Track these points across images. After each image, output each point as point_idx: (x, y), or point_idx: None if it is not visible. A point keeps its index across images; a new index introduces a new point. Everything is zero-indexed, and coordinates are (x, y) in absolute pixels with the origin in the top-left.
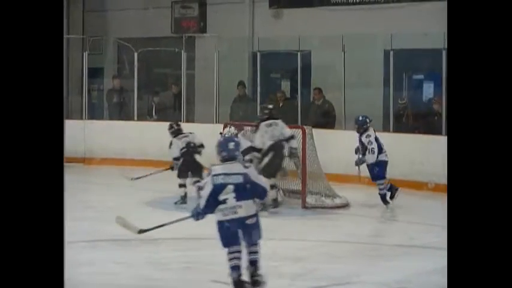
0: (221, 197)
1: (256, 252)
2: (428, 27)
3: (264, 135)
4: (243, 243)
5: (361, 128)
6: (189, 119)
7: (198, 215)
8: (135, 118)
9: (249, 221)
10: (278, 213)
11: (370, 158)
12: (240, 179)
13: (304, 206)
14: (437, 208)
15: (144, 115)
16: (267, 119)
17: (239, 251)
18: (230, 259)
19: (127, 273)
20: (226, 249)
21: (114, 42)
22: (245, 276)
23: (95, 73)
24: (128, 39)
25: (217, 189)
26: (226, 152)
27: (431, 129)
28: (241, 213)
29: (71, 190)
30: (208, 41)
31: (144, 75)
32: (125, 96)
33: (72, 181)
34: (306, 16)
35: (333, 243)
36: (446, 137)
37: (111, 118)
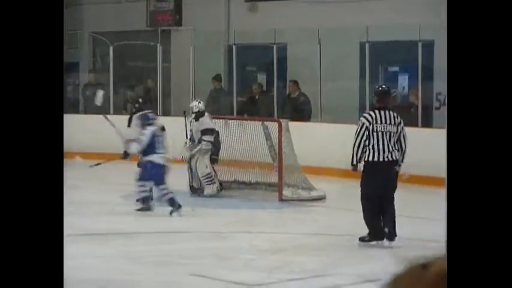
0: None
1: None
2: (404, 19)
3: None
4: None
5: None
6: (165, 113)
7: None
8: (111, 112)
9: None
10: (255, 206)
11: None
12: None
13: (281, 199)
14: (412, 200)
15: (120, 109)
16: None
17: None
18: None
19: (103, 267)
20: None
21: (90, 36)
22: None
23: (71, 67)
24: (103, 33)
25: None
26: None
27: (407, 120)
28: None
29: None
30: (183, 35)
31: (119, 69)
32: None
33: None
34: (281, 9)
35: (310, 236)
36: (422, 129)
37: (86, 112)
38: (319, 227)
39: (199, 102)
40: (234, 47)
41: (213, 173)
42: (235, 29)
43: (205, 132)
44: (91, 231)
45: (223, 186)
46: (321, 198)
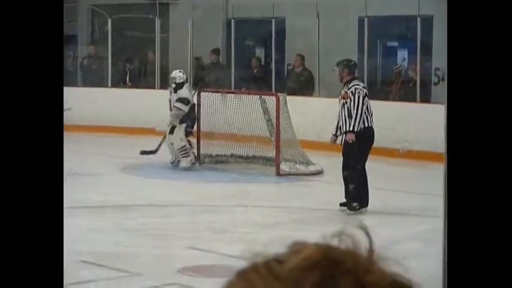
0: None
1: None
2: None
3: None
4: None
5: None
6: (163, 86)
7: None
8: (109, 85)
9: None
10: (252, 180)
11: None
12: None
13: (278, 173)
14: (410, 175)
15: (118, 82)
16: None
17: None
18: None
19: (101, 240)
20: None
21: (88, 9)
22: None
23: (69, 40)
24: (102, 6)
25: None
26: None
27: (406, 96)
28: None
29: None
30: (182, 8)
31: (118, 42)
32: (97, 62)
33: None
34: None
35: (307, 210)
36: (420, 104)
37: (85, 85)
38: (316, 202)
39: (182, 72)
40: (232, 21)
41: (188, 146)
42: (233, 3)
43: (178, 100)
44: (88, 204)
45: (201, 160)
46: (319, 173)
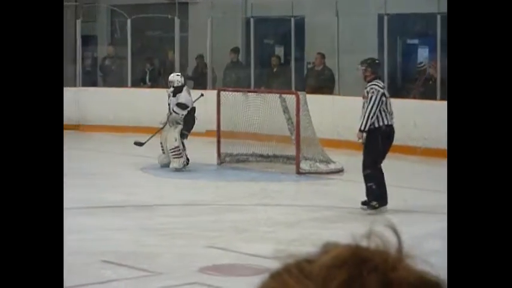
0: None
1: None
2: None
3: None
4: None
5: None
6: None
7: None
8: (129, 85)
9: None
10: (273, 179)
11: None
12: None
13: (298, 172)
14: (430, 172)
15: (138, 82)
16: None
17: None
18: None
19: (122, 239)
20: None
21: (107, 9)
22: None
23: (88, 41)
24: (121, 6)
25: None
26: None
27: (426, 93)
28: None
29: (65, 157)
30: (201, 7)
31: (137, 42)
32: (117, 62)
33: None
34: None
35: (327, 208)
36: (440, 102)
37: (105, 85)
38: (337, 200)
39: (180, 76)
40: (251, 20)
41: (181, 147)
42: (252, 2)
43: (178, 105)
44: (110, 204)
45: (222, 159)
46: (339, 171)
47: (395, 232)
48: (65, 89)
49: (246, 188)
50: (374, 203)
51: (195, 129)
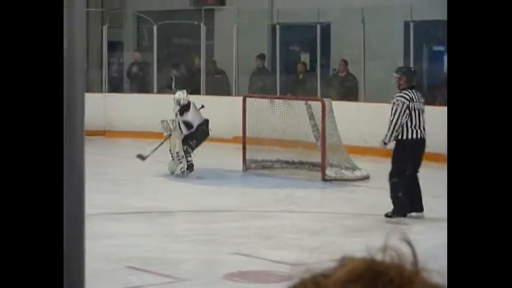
0: None
1: None
2: None
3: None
4: None
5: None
6: (208, 92)
7: None
8: (155, 91)
9: None
10: (299, 185)
11: None
12: None
13: (324, 179)
14: None
15: (164, 88)
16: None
17: None
18: None
19: (146, 245)
20: None
21: (133, 16)
22: None
23: (115, 47)
24: (147, 12)
25: None
26: None
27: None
28: None
29: (91, 163)
30: (227, 14)
31: (163, 48)
32: (143, 68)
33: (93, 154)
34: None
35: (353, 216)
36: None
37: (131, 91)
38: (362, 207)
39: (184, 93)
40: (277, 26)
41: (182, 153)
42: (278, 8)
43: (184, 122)
44: (135, 209)
45: (247, 165)
46: (365, 178)
47: (410, 245)
48: (90, 95)
49: (271, 195)
50: (392, 213)
51: (222, 135)
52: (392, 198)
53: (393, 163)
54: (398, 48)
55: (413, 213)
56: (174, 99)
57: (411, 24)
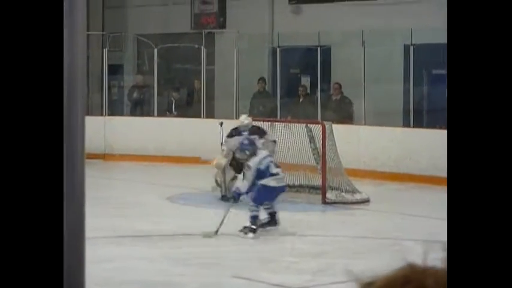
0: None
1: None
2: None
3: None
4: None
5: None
6: (209, 115)
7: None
8: (155, 114)
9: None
10: (299, 208)
11: None
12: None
13: (325, 202)
14: None
15: (164, 111)
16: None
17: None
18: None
19: (147, 268)
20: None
21: (134, 39)
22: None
23: (115, 70)
24: (148, 36)
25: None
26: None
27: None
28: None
29: (92, 186)
30: (227, 37)
31: (164, 71)
32: (145, 92)
33: (93, 177)
34: (325, 11)
35: (353, 239)
36: None
37: (131, 114)
38: (363, 230)
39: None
40: (278, 50)
41: (220, 179)
42: (279, 32)
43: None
44: (135, 233)
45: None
46: (365, 201)
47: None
48: (91, 118)
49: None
50: None
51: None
52: None
53: None
54: (398, 72)
55: None
56: (244, 124)
57: (411, 48)
